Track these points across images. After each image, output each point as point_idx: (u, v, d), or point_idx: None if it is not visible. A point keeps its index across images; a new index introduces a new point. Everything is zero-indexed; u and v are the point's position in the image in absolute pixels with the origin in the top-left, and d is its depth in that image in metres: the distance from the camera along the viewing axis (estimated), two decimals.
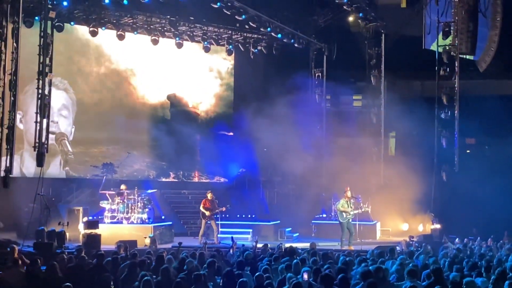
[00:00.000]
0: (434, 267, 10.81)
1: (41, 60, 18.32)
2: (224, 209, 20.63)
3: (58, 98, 23.67)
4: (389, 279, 10.92)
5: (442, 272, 10.60)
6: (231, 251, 15.17)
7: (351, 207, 19.97)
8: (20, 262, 11.78)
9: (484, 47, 24.37)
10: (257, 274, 10.02)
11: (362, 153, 25.81)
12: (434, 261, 12.37)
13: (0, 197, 19.00)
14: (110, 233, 18.86)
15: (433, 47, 23.67)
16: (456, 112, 23.20)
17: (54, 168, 23.39)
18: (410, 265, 11.29)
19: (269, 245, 16.22)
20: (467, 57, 24.11)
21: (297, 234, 23.02)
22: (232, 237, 16.72)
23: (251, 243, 18.28)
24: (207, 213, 20.38)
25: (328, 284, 9.19)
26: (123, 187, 20.57)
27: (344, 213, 19.86)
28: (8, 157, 18.39)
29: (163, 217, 21.53)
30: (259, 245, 15.83)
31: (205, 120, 27.08)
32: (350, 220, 19.96)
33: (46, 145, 18.59)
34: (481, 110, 23.68)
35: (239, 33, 25.96)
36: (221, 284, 10.86)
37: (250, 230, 21.60)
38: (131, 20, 23.79)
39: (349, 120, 26.03)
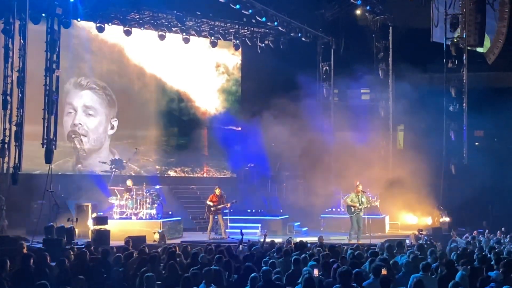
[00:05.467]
0: (446, 259, 10.77)
1: (48, 57, 18.39)
2: (228, 205, 20.34)
3: (83, 98, 23.91)
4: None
5: (454, 265, 10.57)
6: (240, 247, 15.10)
7: (361, 202, 19.83)
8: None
9: (492, 39, 24.22)
10: (264, 268, 9.91)
11: (370, 147, 25.75)
12: (441, 254, 12.31)
13: (10, 194, 19.00)
14: (119, 229, 18.91)
15: (441, 40, 23.55)
16: (464, 104, 23.09)
17: (66, 165, 23.48)
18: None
19: (276, 240, 16.15)
20: (479, 49, 23.95)
21: (306, 228, 22.99)
22: (241, 231, 16.48)
23: (259, 237, 18.26)
24: (211, 205, 20.14)
25: (346, 279, 8.95)
26: (129, 182, 20.60)
27: (352, 207, 19.76)
28: (17, 154, 18.47)
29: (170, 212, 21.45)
30: (267, 240, 15.77)
31: (212, 115, 27.05)
32: (361, 214, 19.84)
33: (54, 142, 18.67)
34: (490, 102, 23.54)
35: (246, 28, 25.87)
36: (233, 279, 10.81)
37: (259, 225, 21.61)
38: (138, 16, 23.75)
39: (357, 113, 25.85)
